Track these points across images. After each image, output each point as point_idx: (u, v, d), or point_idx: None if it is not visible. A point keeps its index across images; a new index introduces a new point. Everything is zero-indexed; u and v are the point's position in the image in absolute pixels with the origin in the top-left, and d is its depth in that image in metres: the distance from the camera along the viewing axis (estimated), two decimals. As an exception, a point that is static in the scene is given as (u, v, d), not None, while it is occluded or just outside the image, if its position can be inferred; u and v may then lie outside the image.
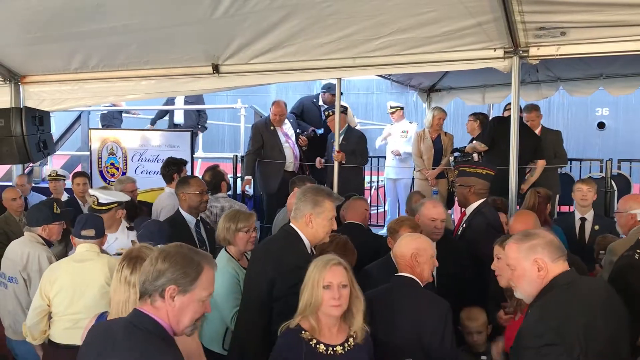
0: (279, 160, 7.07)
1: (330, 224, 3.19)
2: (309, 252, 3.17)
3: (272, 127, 7.14)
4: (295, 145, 7.22)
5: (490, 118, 7.47)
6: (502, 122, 6.36)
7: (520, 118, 6.58)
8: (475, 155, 6.61)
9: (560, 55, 4.69)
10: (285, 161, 7.11)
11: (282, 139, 7.13)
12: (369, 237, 4.91)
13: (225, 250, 3.88)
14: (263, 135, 7.10)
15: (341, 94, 6.23)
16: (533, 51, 4.75)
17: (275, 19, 4.80)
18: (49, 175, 6.79)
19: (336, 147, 5.96)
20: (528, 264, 2.55)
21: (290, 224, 3.24)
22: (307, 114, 8.02)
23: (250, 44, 5.27)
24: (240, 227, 3.80)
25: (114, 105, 8.99)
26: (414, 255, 3.12)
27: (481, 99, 8.90)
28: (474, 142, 6.81)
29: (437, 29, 4.63)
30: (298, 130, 7.63)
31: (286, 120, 7.33)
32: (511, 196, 4.90)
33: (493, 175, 4.70)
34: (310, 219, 3.14)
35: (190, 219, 4.63)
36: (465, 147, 6.98)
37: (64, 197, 6.70)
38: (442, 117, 7.43)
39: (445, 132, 7.43)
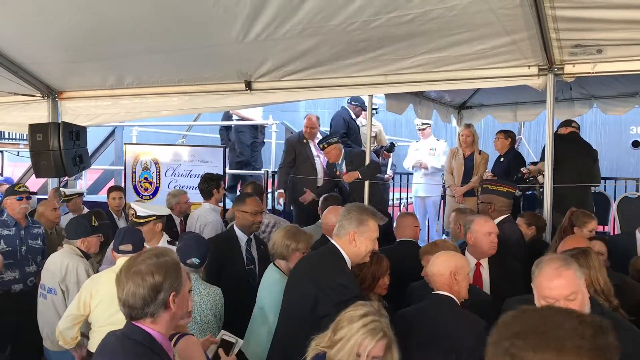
0: (310, 175, 7.08)
1: (373, 244, 3.17)
2: (350, 270, 3.15)
3: (304, 141, 7.19)
4: (324, 160, 7.21)
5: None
6: (566, 140, 6.23)
7: (579, 135, 6.49)
8: (540, 177, 6.35)
9: (596, 73, 4.63)
10: (317, 176, 7.12)
11: (314, 152, 7.16)
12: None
13: (274, 264, 3.85)
14: (296, 148, 7.16)
15: (374, 110, 6.22)
16: (568, 69, 4.70)
17: (307, 46, 4.86)
18: (64, 196, 6.75)
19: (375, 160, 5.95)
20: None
21: (332, 241, 3.22)
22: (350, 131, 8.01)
23: (282, 66, 5.35)
24: (299, 248, 3.77)
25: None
26: (453, 273, 3.09)
27: (513, 116, 8.80)
28: (540, 163, 6.58)
29: (470, 47, 4.60)
30: (377, 146, 7.67)
31: (319, 135, 7.35)
32: (546, 216, 4.83)
33: (513, 193, 4.77)
34: (353, 237, 3.12)
35: (242, 237, 4.59)
36: (527, 168, 6.78)
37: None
38: (465, 134, 7.23)
39: (480, 151, 7.26)
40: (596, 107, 8.36)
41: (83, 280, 4.11)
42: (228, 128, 9.11)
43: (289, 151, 7.19)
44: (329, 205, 4.91)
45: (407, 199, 9.79)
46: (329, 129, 8.17)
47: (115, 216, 6.47)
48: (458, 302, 3.10)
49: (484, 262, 3.96)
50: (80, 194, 6.98)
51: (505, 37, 4.39)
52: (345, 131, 7.77)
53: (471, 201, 7.06)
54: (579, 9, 3.91)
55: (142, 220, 4.50)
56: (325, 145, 6.35)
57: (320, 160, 7.13)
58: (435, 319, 3.02)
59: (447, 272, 3.09)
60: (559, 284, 2.43)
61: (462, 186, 7.15)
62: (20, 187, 5.45)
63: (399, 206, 10.10)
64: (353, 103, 8.01)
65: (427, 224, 8.75)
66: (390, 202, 8.90)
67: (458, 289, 3.10)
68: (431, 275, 3.18)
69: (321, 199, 5.44)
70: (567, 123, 6.61)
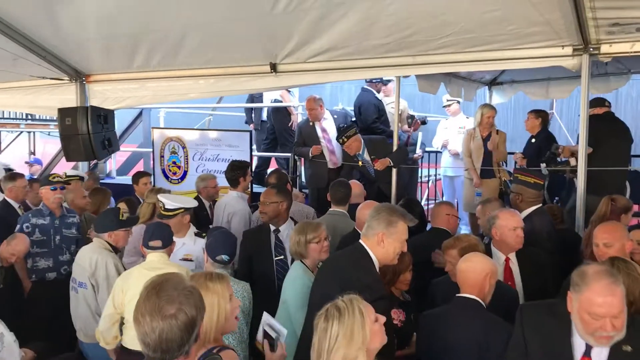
0: (318, 156, 7.10)
1: (402, 246, 3.13)
2: (377, 271, 3.11)
3: (310, 124, 7.16)
4: (331, 142, 7.13)
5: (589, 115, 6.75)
6: (603, 121, 6.03)
7: (614, 115, 6.26)
8: (572, 160, 6.05)
9: (635, 52, 4.44)
10: (325, 157, 7.08)
11: (320, 134, 7.10)
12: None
13: (301, 261, 3.84)
14: (303, 132, 7.18)
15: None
16: (605, 48, 4.52)
17: (335, 17, 4.73)
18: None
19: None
20: None
21: (360, 241, 3.18)
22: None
23: (309, 42, 5.23)
24: (311, 239, 3.76)
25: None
26: (488, 276, 3.04)
27: (545, 93, 8.53)
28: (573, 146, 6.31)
29: (502, 28, 4.45)
30: (409, 118, 7.58)
31: (328, 116, 7.27)
32: (579, 203, 4.70)
33: (542, 184, 4.64)
34: (382, 238, 3.08)
35: (272, 228, 4.61)
36: (557, 146, 6.46)
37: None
38: (491, 115, 6.98)
39: (498, 130, 7.00)
40: (633, 79, 8.06)
41: (112, 275, 4.16)
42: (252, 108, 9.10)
43: (298, 134, 7.28)
44: (341, 190, 4.90)
45: (435, 175, 9.67)
46: (353, 109, 8.00)
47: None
48: (485, 306, 3.04)
49: (512, 257, 3.88)
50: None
51: (538, 17, 4.23)
52: (376, 116, 7.61)
53: (488, 183, 6.91)
54: (618, -14, 3.74)
55: (170, 213, 4.52)
56: (345, 139, 6.30)
57: (324, 141, 7.08)
58: (462, 324, 2.97)
59: (483, 275, 3.04)
60: (610, 303, 2.36)
61: (482, 168, 6.97)
62: (54, 177, 5.52)
63: (427, 183, 10.01)
64: (374, 81, 7.83)
65: (456, 202, 8.64)
66: (419, 179, 8.80)
67: (487, 292, 3.04)
68: (463, 275, 3.10)
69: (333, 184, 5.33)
70: (601, 102, 6.35)
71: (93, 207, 6.04)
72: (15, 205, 6.04)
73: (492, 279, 3.05)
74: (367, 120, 7.48)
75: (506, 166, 7.55)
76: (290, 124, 8.69)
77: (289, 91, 8.48)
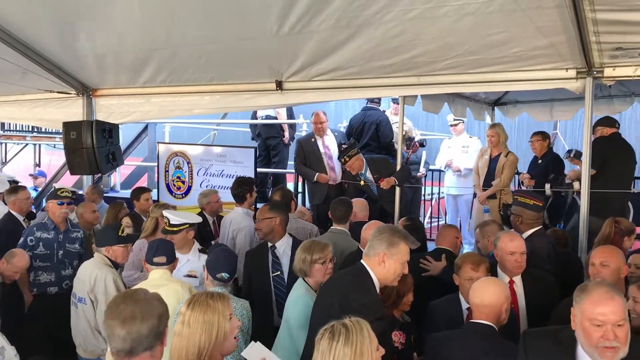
0: (320, 172, 7.09)
1: (402, 267, 3.12)
2: (377, 291, 3.11)
3: (313, 139, 7.18)
4: (332, 159, 7.15)
5: (594, 139, 6.28)
6: (610, 143, 6.02)
7: (621, 136, 6.27)
8: (576, 184, 6.01)
9: (638, 76, 4.46)
10: (326, 173, 7.09)
11: (322, 150, 7.13)
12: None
13: (304, 279, 3.82)
14: (304, 147, 7.18)
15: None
16: (608, 72, 4.56)
17: (341, 39, 4.77)
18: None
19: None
20: None
21: (362, 260, 3.19)
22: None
23: (315, 63, 5.28)
24: (316, 259, 3.73)
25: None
26: (505, 306, 3.01)
27: (549, 114, 8.55)
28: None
29: (506, 50, 4.48)
30: (407, 138, 7.56)
31: (329, 133, 7.31)
32: (582, 225, 4.70)
33: (541, 206, 4.61)
34: (383, 258, 3.09)
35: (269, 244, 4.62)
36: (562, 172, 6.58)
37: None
38: (489, 134, 6.97)
39: (508, 152, 6.93)
40: (637, 102, 8.08)
41: (111, 291, 4.14)
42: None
43: (299, 150, 7.24)
44: (341, 209, 4.93)
45: (439, 194, 9.68)
46: (352, 124, 7.98)
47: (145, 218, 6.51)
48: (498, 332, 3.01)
49: (517, 279, 3.85)
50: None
51: (542, 39, 4.26)
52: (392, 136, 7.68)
53: (493, 203, 6.89)
54: (621, 11, 3.76)
55: (175, 229, 4.52)
56: (347, 159, 6.29)
57: (325, 158, 7.10)
58: (478, 350, 2.91)
59: (499, 304, 3.00)
60: (610, 309, 2.38)
61: (484, 189, 6.96)
62: (62, 192, 5.50)
63: (431, 201, 10.01)
64: (375, 100, 7.79)
65: (459, 222, 8.64)
66: (422, 197, 8.82)
67: (503, 320, 3.01)
68: (480, 301, 3.04)
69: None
70: (612, 123, 6.28)
71: (111, 219, 6.02)
72: (20, 218, 6.05)
73: (507, 306, 3.03)
74: (387, 137, 7.50)
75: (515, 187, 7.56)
76: (282, 139, 8.75)
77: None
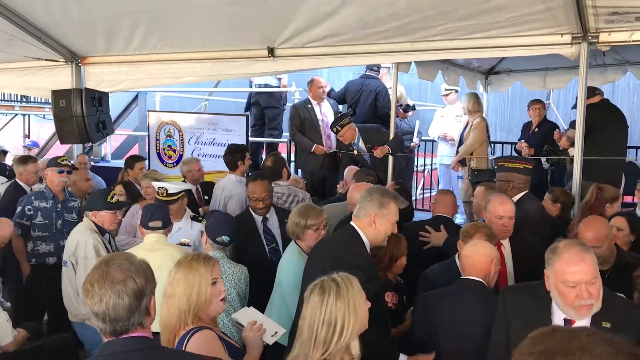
0: (316, 138, 7.06)
1: (393, 227, 3.13)
2: (368, 252, 3.12)
3: (309, 106, 7.12)
4: (329, 126, 7.10)
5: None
6: (600, 108, 6.02)
7: (609, 102, 6.28)
8: (571, 150, 6.01)
9: (634, 41, 4.43)
10: (322, 139, 7.05)
11: (319, 117, 7.09)
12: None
13: (296, 242, 3.82)
14: (300, 113, 7.12)
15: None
16: (603, 37, 4.52)
17: (334, 5, 4.70)
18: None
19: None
20: None
21: (352, 222, 3.18)
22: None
23: (307, 29, 5.21)
24: (310, 225, 3.72)
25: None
26: (494, 261, 3.06)
27: (542, 83, 8.52)
28: (568, 132, 6.35)
29: (501, 15, 4.43)
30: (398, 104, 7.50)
31: (326, 100, 7.27)
32: (574, 190, 4.71)
33: (530, 169, 4.62)
34: (374, 219, 3.09)
35: (257, 217, 4.56)
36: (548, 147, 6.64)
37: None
38: (462, 102, 7.20)
39: (477, 118, 7.08)
40: (630, 72, 8.06)
41: (90, 255, 4.10)
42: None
43: (294, 116, 7.16)
44: (361, 180, 4.84)
45: (431, 164, 9.67)
46: (346, 91, 7.87)
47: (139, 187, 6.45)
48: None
49: (505, 243, 3.85)
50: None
51: (538, 4, 4.22)
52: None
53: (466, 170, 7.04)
54: (618, -25, 3.73)
55: (174, 198, 4.50)
56: (339, 128, 6.25)
57: (322, 125, 7.06)
58: (468, 304, 2.97)
59: (489, 260, 3.06)
60: (581, 269, 2.43)
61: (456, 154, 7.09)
62: (63, 160, 5.41)
63: (423, 172, 10.00)
64: (374, 68, 7.70)
65: (452, 189, 8.64)
66: (415, 169, 8.81)
67: (492, 277, 3.06)
68: (469, 260, 3.10)
69: (355, 173, 5.28)
70: (591, 91, 6.22)
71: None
72: (27, 188, 5.93)
73: (496, 265, 3.07)
74: (387, 107, 7.43)
75: (492, 155, 7.62)
76: (282, 110, 8.66)
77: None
